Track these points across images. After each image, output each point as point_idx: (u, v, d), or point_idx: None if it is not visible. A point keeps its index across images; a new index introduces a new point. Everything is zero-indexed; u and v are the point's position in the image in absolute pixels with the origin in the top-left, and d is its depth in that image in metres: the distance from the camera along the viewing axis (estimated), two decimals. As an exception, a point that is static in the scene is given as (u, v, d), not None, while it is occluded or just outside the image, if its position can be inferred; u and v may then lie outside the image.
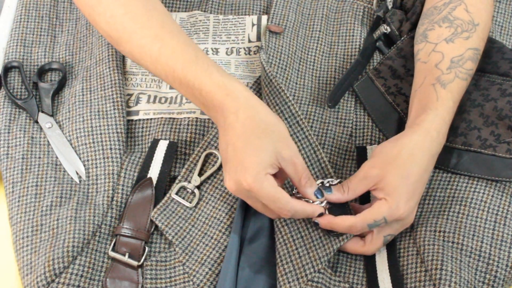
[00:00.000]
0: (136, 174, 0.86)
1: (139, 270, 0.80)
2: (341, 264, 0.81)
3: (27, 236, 0.82)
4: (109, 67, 0.94)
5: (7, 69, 0.97)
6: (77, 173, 0.87)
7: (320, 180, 0.82)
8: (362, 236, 0.81)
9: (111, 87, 0.93)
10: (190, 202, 0.85)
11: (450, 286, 0.75)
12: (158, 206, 0.84)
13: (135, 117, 0.92)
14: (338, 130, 0.92)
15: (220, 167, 0.87)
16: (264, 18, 1.02)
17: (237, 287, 0.79)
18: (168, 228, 0.82)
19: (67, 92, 0.96)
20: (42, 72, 0.98)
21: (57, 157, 0.89)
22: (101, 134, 0.89)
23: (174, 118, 0.91)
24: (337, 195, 0.79)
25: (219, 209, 0.84)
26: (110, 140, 0.88)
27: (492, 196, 0.83)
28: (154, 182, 0.85)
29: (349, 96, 0.95)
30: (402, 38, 0.96)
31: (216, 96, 0.76)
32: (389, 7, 1.01)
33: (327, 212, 0.78)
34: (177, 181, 0.86)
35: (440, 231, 0.81)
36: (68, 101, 0.94)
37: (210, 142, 0.88)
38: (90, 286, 0.78)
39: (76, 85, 0.95)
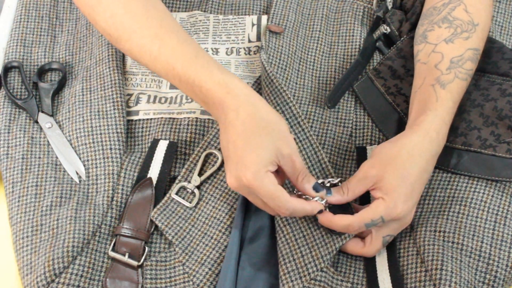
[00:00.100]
0: (136, 174, 0.86)
1: (139, 270, 0.80)
2: (341, 264, 0.81)
3: (27, 236, 0.82)
4: (109, 67, 0.94)
5: (7, 69, 0.97)
6: (77, 173, 0.87)
7: (321, 180, 0.82)
8: (362, 237, 0.81)
9: (111, 87, 0.93)
10: (190, 202, 0.85)
11: (450, 286, 0.75)
12: (158, 206, 0.84)
13: (135, 117, 0.92)
14: (338, 130, 0.92)
15: (220, 167, 0.87)
16: (264, 18, 1.02)
17: (237, 287, 0.79)
18: (168, 228, 0.82)
19: (67, 92, 0.96)
20: (42, 72, 0.98)
21: (57, 157, 0.89)
22: (101, 134, 0.89)
23: (174, 118, 0.91)
24: (337, 197, 0.79)
25: (219, 209, 0.84)
26: (110, 140, 0.88)
27: (492, 196, 0.83)
28: (154, 182, 0.85)
29: (349, 96, 0.95)
30: (402, 39, 0.96)
31: (216, 94, 0.76)
32: (389, 7, 1.01)
33: (327, 210, 0.79)
34: (177, 181, 0.86)
35: (440, 231, 0.81)
36: (68, 101, 0.94)
37: (210, 142, 0.88)
38: (90, 286, 0.78)
39: (76, 85, 0.95)
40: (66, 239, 0.79)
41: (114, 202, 0.84)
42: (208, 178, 0.86)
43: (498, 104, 0.87)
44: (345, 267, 0.81)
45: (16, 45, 0.99)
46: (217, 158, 0.87)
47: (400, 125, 0.90)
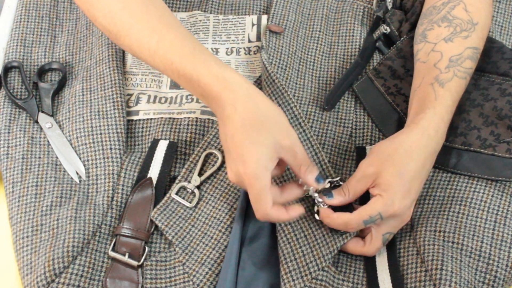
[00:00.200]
0: (136, 174, 0.86)
1: (139, 270, 0.80)
2: (341, 264, 0.81)
3: (27, 236, 0.82)
4: (109, 67, 0.94)
5: (7, 69, 0.97)
6: (77, 173, 0.87)
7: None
8: (362, 237, 0.81)
9: (111, 87, 0.93)
10: (190, 202, 0.85)
11: (450, 286, 0.75)
12: (158, 206, 0.84)
13: (135, 117, 0.92)
14: (338, 130, 0.92)
15: (220, 167, 0.87)
16: (264, 18, 1.02)
17: (237, 287, 0.79)
18: (168, 228, 0.82)
19: (67, 92, 0.96)
20: (42, 72, 0.98)
21: (57, 157, 0.89)
22: (101, 134, 0.89)
23: (174, 118, 0.91)
24: (338, 199, 0.79)
25: (219, 209, 0.84)
26: (110, 140, 0.88)
27: (492, 196, 0.83)
28: (154, 182, 0.85)
29: (349, 96, 0.95)
30: (402, 39, 0.96)
31: (214, 88, 0.76)
32: (389, 7, 1.01)
33: (323, 204, 0.79)
34: (177, 181, 0.86)
35: (440, 231, 0.81)
36: (68, 101, 0.94)
37: (210, 142, 0.88)
38: (90, 286, 0.78)
39: (76, 85, 0.95)
40: (66, 239, 0.79)
41: (114, 202, 0.84)
42: (208, 178, 0.86)
43: (498, 103, 0.87)
44: (345, 267, 0.81)
45: (16, 45, 0.99)
46: (217, 158, 0.87)
47: (400, 125, 0.90)
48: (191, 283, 0.79)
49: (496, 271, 0.78)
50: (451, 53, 0.86)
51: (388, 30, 0.98)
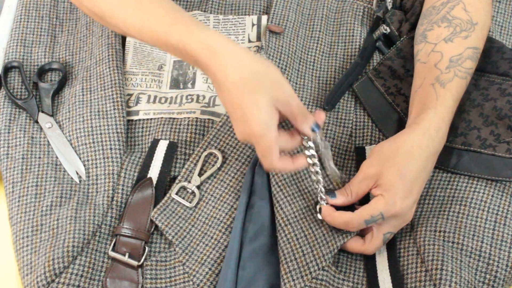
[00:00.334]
0: (136, 174, 0.86)
1: (139, 270, 0.80)
2: (341, 263, 0.81)
3: (27, 236, 0.82)
4: (109, 67, 0.94)
5: (7, 69, 0.97)
6: (77, 173, 0.87)
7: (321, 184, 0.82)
8: (362, 236, 0.81)
9: (111, 87, 0.93)
10: (190, 202, 0.85)
11: (450, 286, 0.75)
12: (158, 206, 0.84)
13: (135, 117, 0.92)
14: (338, 130, 0.92)
15: (220, 167, 0.87)
16: (264, 18, 1.02)
17: (237, 287, 0.79)
18: (168, 228, 0.82)
19: (67, 92, 0.96)
20: (42, 72, 0.98)
21: (57, 157, 0.89)
22: (101, 134, 0.89)
23: (174, 118, 0.91)
24: (341, 199, 0.79)
25: (219, 209, 0.84)
26: (110, 140, 0.88)
27: (492, 196, 0.83)
28: (154, 182, 0.85)
29: (349, 96, 0.95)
30: (402, 39, 0.96)
31: (201, 56, 0.76)
32: (389, 7, 1.01)
33: (326, 203, 0.79)
34: (177, 181, 0.86)
35: (440, 231, 0.81)
36: (68, 101, 0.94)
37: (210, 142, 0.88)
38: (90, 286, 0.78)
39: (76, 85, 0.95)
40: (66, 239, 0.79)
41: (114, 202, 0.84)
42: (208, 178, 0.86)
43: (498, 103, 0.87)
44: (345, 266, 0.81)
45: (16, 45, 0.99)
46: (217, 158, 0.87)
47: (400, 125, 0.90)
48: (191, 283, 0.79)
49: (496, 271, 0.78)
50: (451, 54, 0.86)
51: (388, 30, 0.98)
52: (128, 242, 0.81)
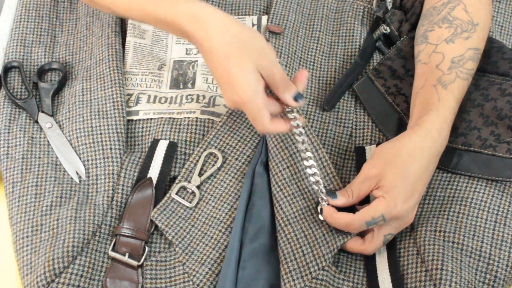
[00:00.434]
0: (136, 174, 0.86)
1: (139, 270, 0.80)
2: (341, 263, 0.81)
3: (27, 236, 0.82)
4: (109, 67, 0.94)
5: (7, 69, 0.97)
6: (77, 173, 0.87)
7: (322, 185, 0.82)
8: (362, 235, 0.81)
9: (111, 87, 0.93)
10: (190, 202, 0.85)
11: (450, 286, 0.75)
12: (158, 206, 0.84)
13: (135, 117, 0.92)
14: (338, 130, 0.92)
15: (220, 167, 0.87)
16: (264, 18, 1.02)
17: (237, 287, 0.79)
18: (168, 228, 0.82)
19: (67, 92, 0.96)
20: (42, 72, 0.98)
21: (57, 157, 0.89)
22: (101, 134, 0.89)
23: (174, 118, 0.91)
24: (342, 200, 0.79)
25: (219, 209, 0.84)
26: (110, 140, 0.88)
27: (492, 196, 0.83)
28: (154, 182, 0.85)
29: (349, 96, 0.95)
30: (402, 39, 0.96)
31: (188, 28, 0.77)
32: (389, 7, 1.01)
33: (326, 204, 0.79)
34: (177, 181, 0.86)
35: (440, 231, 0.81)
36: (68, 101, 0.94)
37: (210, 142, 0.88)
38: (90, 286, 0.78)
39: (76, 85, 0.95)
40: (66, 239, 0.79)
41: (114, 202, 0.84)
42: (208, 178, 0.86)
43: (498, 104, 0.87)
44: (345, 266, 0.81)
45: (16, 45, 0.99)
46: (217, 158, 0.87)
47: (400, 125, 0.90)
48: (191, 283, 0.79)
49: (497, 271, 0.78)
50: (452, 54, 0.86)
51: (388, 30, 0.98)
52: (128, 242, 0.81)
